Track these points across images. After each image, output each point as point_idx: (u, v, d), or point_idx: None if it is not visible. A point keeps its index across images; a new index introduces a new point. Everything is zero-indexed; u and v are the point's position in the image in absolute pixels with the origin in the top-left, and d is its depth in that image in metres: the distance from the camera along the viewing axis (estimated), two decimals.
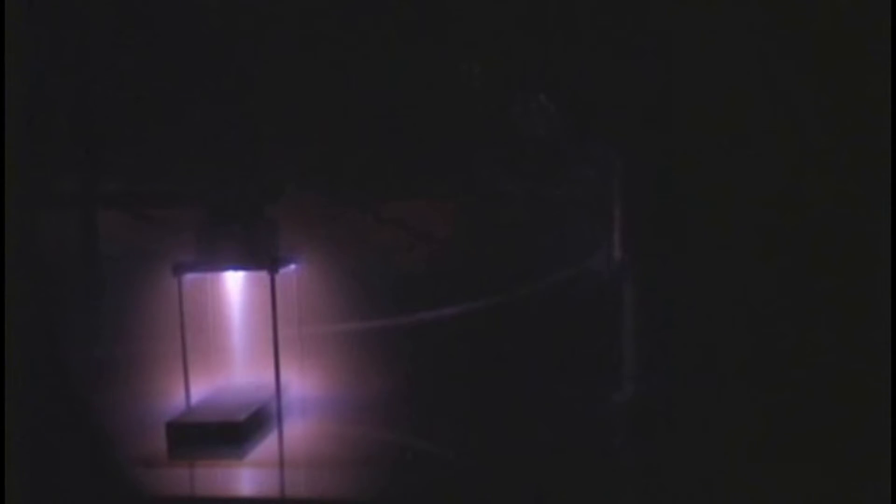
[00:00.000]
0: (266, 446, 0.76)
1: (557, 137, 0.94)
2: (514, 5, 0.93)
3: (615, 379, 0.82)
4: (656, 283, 0.82)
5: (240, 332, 0.85)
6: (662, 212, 0.80)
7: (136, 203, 0.98)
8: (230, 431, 0.75)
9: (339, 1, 0.94)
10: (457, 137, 0.94)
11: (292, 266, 0.85)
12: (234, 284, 0.85)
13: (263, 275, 0.80)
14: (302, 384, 0.85)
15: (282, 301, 0.81)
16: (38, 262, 0.42)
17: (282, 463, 0.75)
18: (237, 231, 0.82)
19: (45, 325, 0.44)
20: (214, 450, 0.74)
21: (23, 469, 0.44)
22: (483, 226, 0.96)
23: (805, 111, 0.86)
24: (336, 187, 0.95)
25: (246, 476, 0.72)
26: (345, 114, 0.95)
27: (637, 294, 0.82)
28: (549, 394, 0.86)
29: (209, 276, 0.84)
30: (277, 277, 0.80)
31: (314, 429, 0.82)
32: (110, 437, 0.72)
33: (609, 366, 0.85)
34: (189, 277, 0.80)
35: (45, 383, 0.43)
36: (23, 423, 0.43)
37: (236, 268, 0.83)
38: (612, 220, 0.81)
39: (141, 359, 0.91)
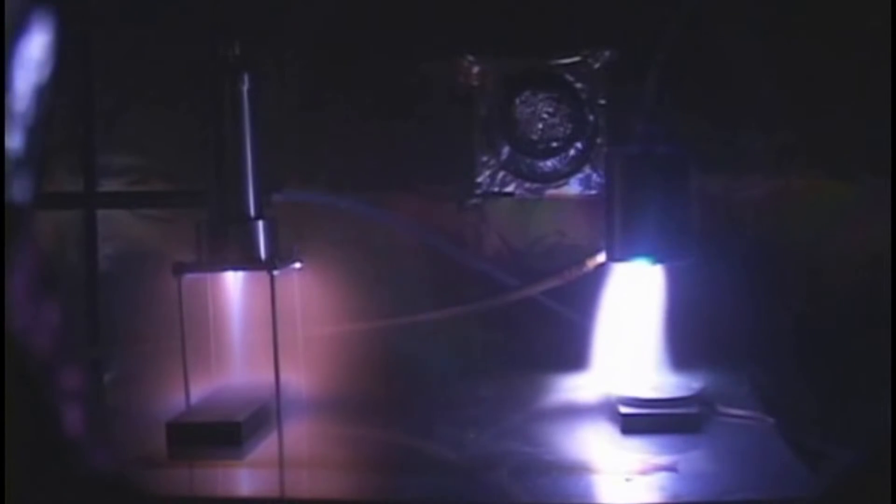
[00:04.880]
0: (266, 446, 0.75)
1: (557, 136, 0.94)
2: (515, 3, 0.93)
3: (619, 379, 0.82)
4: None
5: (240, 332, 0.85)
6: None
7: (136, 203, 0.98)
8: (230, 431, 0.75)
9: None
10: (457, 137, 0.94)
11: (292, 266, 0.85)
12: (234, 284, 0.85)
13: (263, 275, 0.80)
14: (302, 384, 0.85)
15: (282, 301, 0.81)
16: (38, 261, 0.42)
17: (282, 463, 0.74)
18: (237, 231, 0.82)
19: (44, 325, 0.44)
20: (214, 450, 0.74)
21: (22, 469, 0.44)
22: (483, 226, 0.96)
23: None
24: (336, 187, 0.95)
25: (246, 476, 0.72)
26: (344, 113, 0.95)
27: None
28: (549, 394, 0.86)
29: (209, 276, 0.84)
30: (277, 277, 0.80)
31: (314, 429, 0.82)
32: (110, 437, 0.72)
33: (612, 366, 0.85)
34: (189, 277, 0.80)
35: (43, 383, 0.43)
36: (22, 424, 0.43)
37: (236, 268, 0.83)
38: (612, 218, 0.81)
39: (141, 359, 0.91)
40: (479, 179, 0.94)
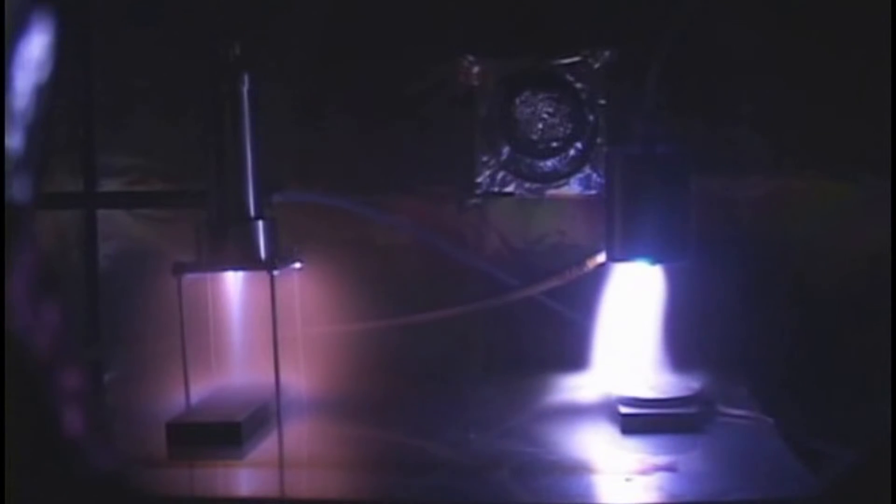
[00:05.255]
0: (266, 446, 0.75)
1: (557, 136, 0.94)
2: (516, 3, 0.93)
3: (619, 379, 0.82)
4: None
5: (240, 332, 0.85)
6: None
7: (136, 203, 0.98)
8: (230, 431, 0.75)
9: None
10: (457, 137, 0.94)
11: (292, 266, 0.85)
12: (234, 284, 0.85)
13: (263, 275, 0.80)
14: (302, 384, 0.85)
15: (282, 301, 0.81)
16: (38, 261, 0.42)
17: (282, 463, 0.75)
18: (237, 231, 0.82)
19: (44, 325, 0.44)
20: (214, 450, 0.74)
21: (22, 469, 0.44)
22: (483, 226, 0.96)
23: None
24: (336, 187, 0.95)
25: (246, 476, 0.72)
26: (344, 113, 0.95)
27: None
28: (549, 394, 0.86)
29: (209, 276, 0.84)
30: (277, 277, 0.80)
31: (314, 429, 0.82)
32: (110, 437, 0.72)
33: (612, 366, 0.85)
34: (189, 277, 0.80)
35: (43, 383, 0.43)
36: (22, 424, 0.43)
37: (236, 268, 0.83)
38: (612, 218, 0.81)
39: (141, 359, 0.91)
40: (479, 179, 0.94)
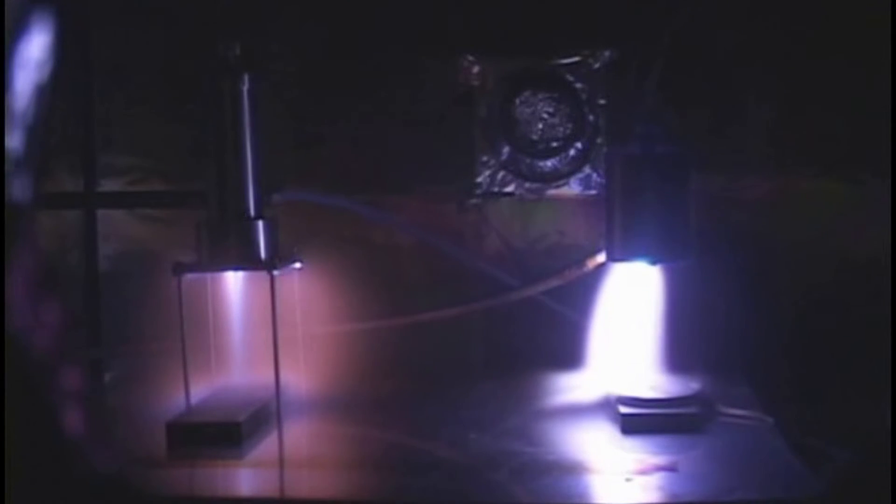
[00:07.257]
0: (266, 446, 0.75)
1: (557, 136, 0.94)
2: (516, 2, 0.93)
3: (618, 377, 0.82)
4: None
5: (240, 332, 0.85)
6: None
7: (136, 203, 0.98)
8: (230, 431, 0.75)
9: None
10: (457, 137, 0.95)
11: (292, 266, 0.85)
12: (234, 284, 0.85)
13: (263, 275, 0.80)
14: (302, 384, 0.85)
15: (282, 301, 0.81)
16: (38, 261, 0.42)
17: (282, 463, 0.75)
18: (237, 231, 0.82)
19: (44, 325, 0.44)
20: (214, 450, 0.74)
21: (22, 469, 0.44)
22: (483, 226, 0.96)
23: None
24: (336, 187, 0.95)
25: (246, 476, 0.72)
26: (344, 113, 0.95)
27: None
28: (549, 394, 0.87)
29: (209, 276, 0.84)
30: (277, 277, 0.80)
31: (314, 429, 0.82)
32: (110, 437, 0.72)
33: (612, 366, 0.85)
34: (189, 277, 0.80)
35: (43, 383, 0.43)
36: (22, 424, 0.43)
37: (236, 268, 0.83)
38: (612, 218, 0.81)
39: (141, 359, 0.91)
40: (479, 179, 0.95)
